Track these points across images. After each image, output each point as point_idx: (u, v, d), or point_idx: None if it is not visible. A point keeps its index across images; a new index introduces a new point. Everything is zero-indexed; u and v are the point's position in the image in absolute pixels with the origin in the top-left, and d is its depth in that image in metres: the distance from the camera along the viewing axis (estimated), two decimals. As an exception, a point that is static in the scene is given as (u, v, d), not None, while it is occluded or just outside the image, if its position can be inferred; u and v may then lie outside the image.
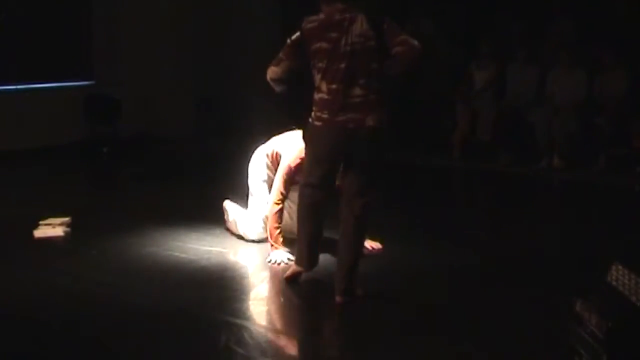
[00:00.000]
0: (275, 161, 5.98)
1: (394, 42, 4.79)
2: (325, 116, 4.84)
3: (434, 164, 9.72)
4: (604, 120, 8.90)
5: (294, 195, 5.57)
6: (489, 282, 5.44)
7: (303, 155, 5.25)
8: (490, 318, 4.78)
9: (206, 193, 7.44)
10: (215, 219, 6.60)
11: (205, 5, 11.12)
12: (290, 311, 5.13)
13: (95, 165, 9.98)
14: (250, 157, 6.20)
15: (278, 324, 4.93)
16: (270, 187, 5.92)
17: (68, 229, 6.47)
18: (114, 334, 4.57)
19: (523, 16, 10.42)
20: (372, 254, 5.77)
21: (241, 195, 6.47)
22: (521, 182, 9.08)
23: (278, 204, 5.72)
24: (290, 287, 5.23)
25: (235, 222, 6.24)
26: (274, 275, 5.49)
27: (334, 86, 4.82)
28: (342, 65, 4.81)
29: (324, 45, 4.83)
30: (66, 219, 6.58)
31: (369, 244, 5.83)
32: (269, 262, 5.66)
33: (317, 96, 4.89)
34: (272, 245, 5.71)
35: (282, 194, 5.72)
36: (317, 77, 4.88)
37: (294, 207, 5.58)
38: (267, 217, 5.85)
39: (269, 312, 5.12)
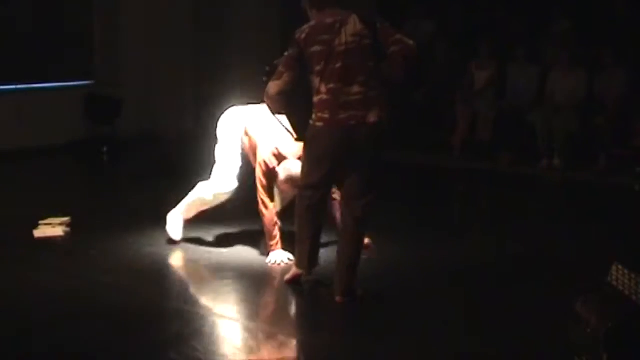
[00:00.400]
0: (250, 142, 5.88)
1: (389, 42, 4.81)
2: (326, 116, 4.84)
3: (434, 164, 9.71)
4: (604, 120, 8.90)
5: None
6: (489, 282, 5.44)
7: (275, 151, 5.45)
8: (490, 318, 4.78)
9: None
10: (215, 219, 6.60)
11: (205, 5, 11.13)
12: (290, 311, 5.14)
13: (95, 165, 9.97)
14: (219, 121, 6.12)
15: (278, 324, 4.92)
16: (245, 156, 5.94)
17: (68, 229, 6.47)
18: (114, 334, 4.56)
19: (523, 16, 10.42)
20: (365, 251, 5.77)
21: (241, 196, 6.47)
22: (521, 182, 9.08)
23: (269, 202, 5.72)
24: (290, 287, 5.23)
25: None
26: (274, 276, 5.49)
27: (332, 86, 4.83)
28: (339, 65, 4.82)
29: (318, 48, 4.84)
30: (66, 219, 6.58)
31: None
32: (269, 262, 5.65)
33: (316, 98, 4.89)
34: (270, 245, 5.71)
35: (267, 193, 5.68)
36: (316, 80, 4.88)
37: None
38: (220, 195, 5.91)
39: (269, 312, 5.13)
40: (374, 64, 4.85)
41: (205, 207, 6.12)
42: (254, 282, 5.55)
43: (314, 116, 4.91)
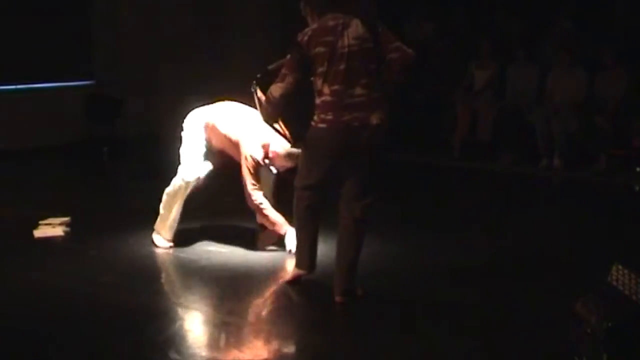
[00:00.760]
0: (212, 132, 6.02)
1: (389, 48, 4.83)
2: (329, 117, 4.84)
3: (434, 164, 9.72)
4: (604, 120, 8.90)
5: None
6: (489, 282, 5.44)
7: (264, 143, 5.62)
8: (490, 318, 4.78)
9: (206, 193, 7.43)
10: (215, 219, 6.60)
11: (205, 4, 11.13)
12: (290, 311, 5.13)
13: (95, 165, 9.97)
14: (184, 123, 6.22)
15: (278, 324, 4.92)
16: (208, 154, 6.04)
17: (68, 229, 6.48)
18: (114, 334, 4.57)
19: (523, 16, 10.42)
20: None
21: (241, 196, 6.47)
22: (521, 182, 9.09)
23: (258, 191, 5.82)
24: (290, 287, 5.24)
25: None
26: (274, 275, 5.49)
27: (335, 87, 4.83)
28: (342, 67, 4.82)
29: (322, 49, 4.84)
30: (66, 219, 6.59)
31: None
32: (290, 251, 5.70)
33: (319, 100, 4.89)
34: (281, 226, 5.80)
35: (256, 179, 5.81)
36: (319, 81, 4.87)
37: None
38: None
39: (268, 312, 5.12)
40: (375, 66, 4.86)
41: (175, 205, 6.05)
42: (254, 282, 5.55)
43: (315, 117, 4.91)
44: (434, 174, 9.42)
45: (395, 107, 5.07)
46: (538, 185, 9.12)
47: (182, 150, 6.14)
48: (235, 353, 4.37)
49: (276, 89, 4.94)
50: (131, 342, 4.45)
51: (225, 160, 6.08)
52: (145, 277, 5.54)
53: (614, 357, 3.57)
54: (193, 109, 6.28)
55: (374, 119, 4.82)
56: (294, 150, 5.50)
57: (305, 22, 5.08)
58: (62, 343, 4.45)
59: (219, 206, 6.48)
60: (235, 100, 6.25)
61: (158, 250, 6.03)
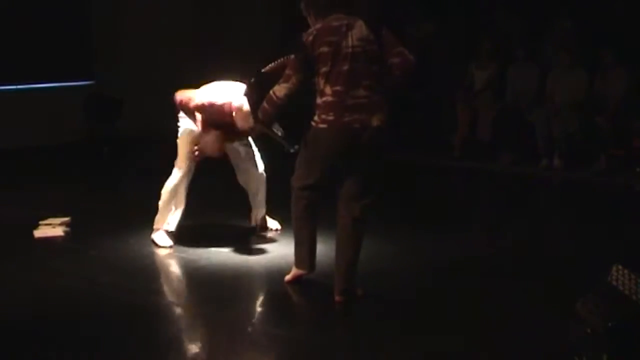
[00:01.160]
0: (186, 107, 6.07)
1: (391, 53, 4.83)
2: (330, 118, 4.84)
3: (434, 164, 9.72)
4: (604, 120, 8.90)
5: None
6: (489, 282, 5.44)
7: (225, 102, 5.71)
8: (490, 318, 4.78)
9: (205, 193, 7.44)
10: (215, 219, 6.61)
11: (205, 4, 11.13)
12: (290, 311, 5.14)
13: (95, 165, 9.97)
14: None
15: (278, 324, 4.92)
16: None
17: (68, 229, 6.48)
18: (113, 334, 4.57)
19: (523, 16, 10.42)
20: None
21: (241, 196, 6.47)
22: (521, 182, 9.09)
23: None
24: (290, 287, 5.24)
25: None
26: (274, 275, 5.48)
27: (337, 88, 4.82)
28: (345, 68, 4.81)
29: (325, 49, 4.83)
30: (66, 219, 6.59)
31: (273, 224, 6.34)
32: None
33: (320, 100, 4.88)
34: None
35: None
36: (321, 81, 4.87)
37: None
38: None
39: (268, 312, 5.13)
40: (378, 68, 4.86)
41: (175, 199, 6.07)
42: (254, 282, 5.56)
43: (316, 117, 4.90)
44: (434, 174, 9.42)
45: (395, 107, 5.08)
46: (538, 185, 9.12)
47: (178, 142, 6.14)
48: (235, 353, 4.38)
49: (280, 89, 4.92)
50: (131, 342, 4.45)
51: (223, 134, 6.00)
52: (145, 277, 5.54)
53: (614, 357, 3.57)
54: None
55: (375, 121, 4.81)
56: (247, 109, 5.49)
57: (305, 21, 5.07)
58: (62, 343, 4.45)
59: (219, 206, 6.49)
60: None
61: (158, 250, 6.03)
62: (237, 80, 6.01)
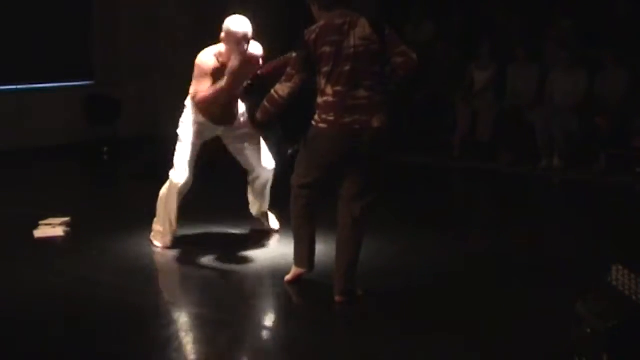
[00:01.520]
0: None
1: (394, 52, 4.83)
2: (331, 118, 4.83)
3: (434, 164, 9.72)
4: (604, 120, 8.90)
5: None
6: (489, 282, 5.44)
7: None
8: (490, 318, 4.78)
9: (205, 193, 7.44)
10: (215, 219, 6.60)
11: (205, 4, 11.12)
12: (290, 311, 5.14)
13: (95, 165, 9.98)
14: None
15: (278, 324, 4.93)
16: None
17: (68, 229, 6.47)
18: (113, 334, 4.57)
19: (523, 16, 10.42)
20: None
21: (241, 196, 6.47)
22: (521, 182, 9.09)
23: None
24: (290, 287, 5.24)
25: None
26: (274, 276, 5.49)
27: (338, 88, 4.82)
28: (347, 68, 4.81)
29: (327, 49, 4.82)
30: (66, 219, 6.59)
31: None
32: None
33: (321, 100, 4.88)
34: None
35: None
36: (322, 81, 4.86)
37: None
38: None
39: (269, 312, 5.13)
40: (380, 68, 4.85)
41: (171, 209, 5.99)
42: (254, 282, 5.56)
43: (316, 117, 4.90)
44: (434, 174, 9.42)
45: (395, 107, 5.07)
46: (538, 185, 9.12)
47: (177, 148, 6.07)
48: (235, 353, 4.38)
49: (283, 88, 4.91)
50: (131, 342, 4.45)
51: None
52: (145, 277, 5.54)
53: (614, 357, 3.57)
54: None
55: (375, 122, 4.81)
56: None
57: (309, 15, 5.04)
58: (62, 343, 4.45)
59: (219, 207, 6.49)
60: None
61: (158, 250, 6.02)
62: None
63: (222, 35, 5.70)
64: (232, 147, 6.21)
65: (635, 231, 6.62)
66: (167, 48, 10.85)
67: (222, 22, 5.79)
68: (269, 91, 5.00)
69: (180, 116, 6.21)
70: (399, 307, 4.96)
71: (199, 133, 6.02)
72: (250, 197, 6.36)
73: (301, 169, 5.06)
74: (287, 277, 5.27)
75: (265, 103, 5.01)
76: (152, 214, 6.15)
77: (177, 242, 6.10)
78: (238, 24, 5.67)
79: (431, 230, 6.73)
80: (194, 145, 5.98)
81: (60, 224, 6.50)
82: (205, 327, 4.82)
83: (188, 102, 6.09)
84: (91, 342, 4.45)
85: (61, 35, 10.39)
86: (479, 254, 6.11)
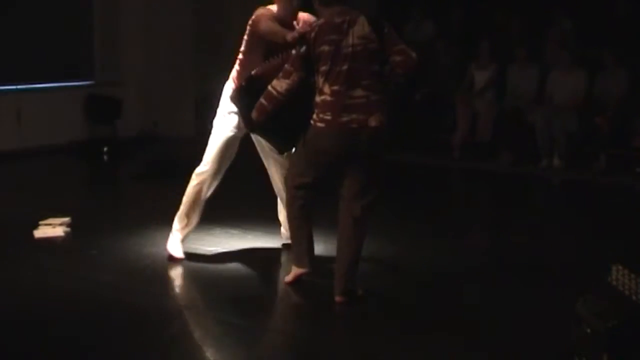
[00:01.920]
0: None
1: (393, 50, 4.82)
2: (328, 117, 4.83)
3: (434, 164, 9.72)
4: (603, 120, 8.90)
5: None
6: (488, 282, 5.44)
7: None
8: (490, 318, 4.78)
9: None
10: (215, 219, 6.60)
11: (205, 4, 11.12)
12: (290, 311, 5.14)
13: (95, 165, 9.98)
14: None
15: (278, 324, 4.93)
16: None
17: (68, 229, 6.47)
18: (113, 334, 4.56)
19: (523, 16, 10.43)
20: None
21: (241, 195, 6.47)
22: (521, 182, 9.09)
23: None
24: (290, 287, 5.23)
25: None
26: (274, 276, 5.49)
27: (336, 87, 4.82)
28: (344, 67, 4.80)
29: (326, 48, 4.82)
30: (66, 219, 6.58)
31: None
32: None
33: (319, 98, 4.88)
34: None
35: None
36: (320, 80, 4.86)
37: None
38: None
39: (269, 312, 5.13)
40: (378, 68, 4.85)
41: (197, 202, 5.74)
42: (254, 282, 5.55)
43: (314, 116, 4.90)
44: (434, 174, 9.42)
45: (394, 106, 5.07)
46: (538, 185, 9.12)
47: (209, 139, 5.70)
48: (235, 353, 4.37)
49: (281, 84, 4.89)
50: (131, 342, 4.45)
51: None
52: (145, 277, 5.53)
53: (614, 357, 3.57)
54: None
55: (373, 121, 4.80)
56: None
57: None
58: (61, 343, 4.44)
59: (218, 207, 6.47)
60: None
61: (158, 251, 6.01)
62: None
63: None
64: (262, 156, 5.88)
65: (635, 231, 6.63)
66: (167, 48, 10.86)
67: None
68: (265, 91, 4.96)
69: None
70: (399, 307, 4.96)
71: (229, 125, 5.58)
72: (280, 207, 5.97)
73: (298, 168, 5.05)
74: (287, 278, 5.26)
75: (262, 100, 4.96)
76: (152, 214, 6.14)
77: (178, 259, 6.05)
78: None
79: (431, 230, 6.73)
80: (225, 138, 5.56)
81: (60, 224, 6.49)
82: (205, 328, 4.81)
83: (227, 87, 5.65)
84: (91, 342, 4.45)
85: (61, 35, 10.38)
86: (478, 254, 6.12)
